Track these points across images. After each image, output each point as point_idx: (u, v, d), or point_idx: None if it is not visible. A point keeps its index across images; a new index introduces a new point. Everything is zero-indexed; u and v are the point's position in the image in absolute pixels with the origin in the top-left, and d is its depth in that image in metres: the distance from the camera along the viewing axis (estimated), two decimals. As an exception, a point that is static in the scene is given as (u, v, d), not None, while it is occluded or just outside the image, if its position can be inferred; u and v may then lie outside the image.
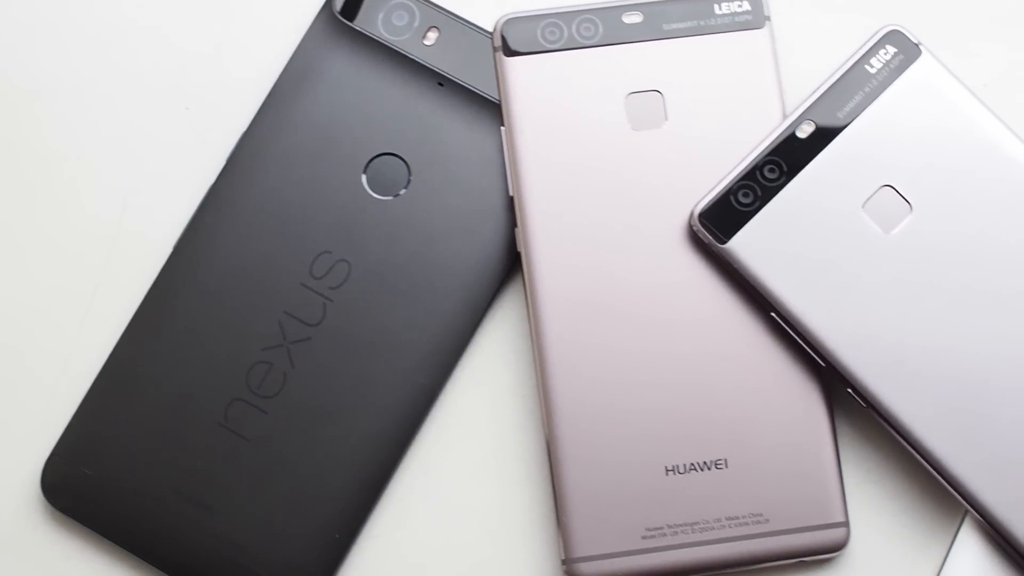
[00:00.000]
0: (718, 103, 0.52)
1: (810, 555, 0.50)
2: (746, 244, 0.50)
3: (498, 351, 0.53)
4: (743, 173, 0.51)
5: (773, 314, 0.50)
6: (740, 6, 0.52)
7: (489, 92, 0.53)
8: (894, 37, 0.51)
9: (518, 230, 0.51)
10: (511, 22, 0.52)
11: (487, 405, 0.53)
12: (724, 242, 0.50)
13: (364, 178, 0.52)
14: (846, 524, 0.51)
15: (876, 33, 0.51)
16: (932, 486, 0.52)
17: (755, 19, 0.52)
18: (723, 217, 0.50)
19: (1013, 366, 0.50)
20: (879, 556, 0.52)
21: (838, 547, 0.50)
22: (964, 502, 0.50)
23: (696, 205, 0.51)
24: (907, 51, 0.51)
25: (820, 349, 0.50)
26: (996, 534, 0.50)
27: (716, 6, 0.52)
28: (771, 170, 0.51)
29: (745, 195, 0.51)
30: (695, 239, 0.51)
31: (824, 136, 0.51)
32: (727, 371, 0.51)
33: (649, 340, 0.51)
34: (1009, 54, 0.55)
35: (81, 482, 0.51)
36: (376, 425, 0.51)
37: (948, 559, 0.51)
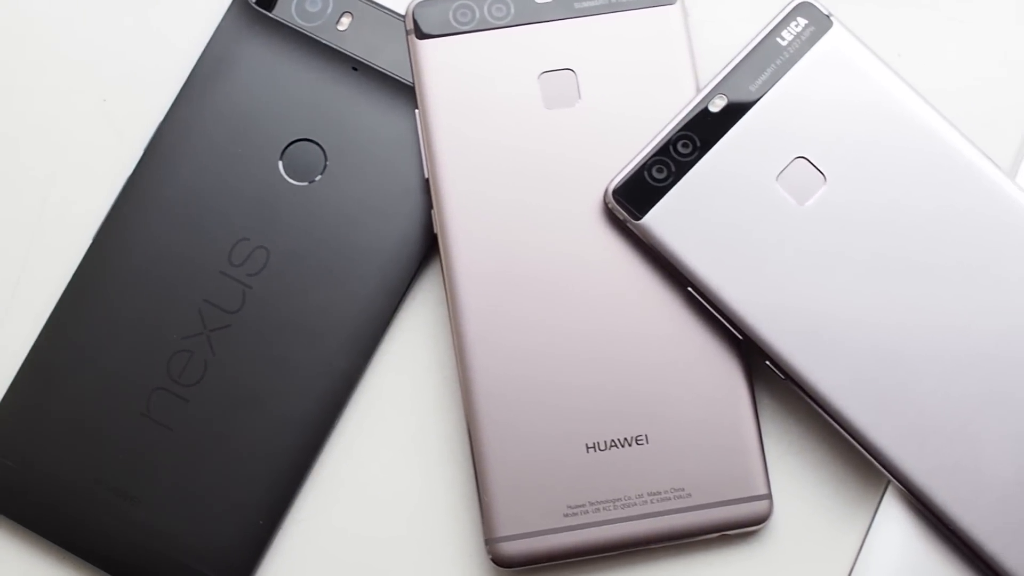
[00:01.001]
0: (631, 80, 0.52)
1: (733, 528, 0.50)
2: (660, 219, 0.50)
3: (418, 333, 0.53)
4: (656, 149, 0.51)
5: (690, 288, 0.50)
6: (650, -17, 0.53)
7: (403, 75, 0.53)
8: (805, 9, 0.51)
9: (434, 211, 0.51)
10: (423, 5, 0.52)
11: (408, 387, 0.53)
12: (639, 218, 0.50)
13: (281, 164, 0.53)
14: (769, 497, 0.51)
15: (787, 5, 0.51)
16: (854, 457, 0.52)
17: (666, -5, 0.53)
18: (637, 193, 0.51)
19: (929, 334, 0.50)
20: (803, 528, 0.52)
21: (761, 520, 0.50)
22: (885, 471, 0.50)
23: (610, 182, 0.51)
24: (818, 23, 0.51)
25: (737, 322, 0.50)
26: (918, 502, 0.50)
27: (628, -16, 0.53)
28: (684, 145, 0.51)
29: (659, 171, 0.51)
30: (610, 216, 0.51)
31: (736, 110, 0.51)
32: (646, 347, 0.51)
33: (567, 318, 0.51)
34: (924, 23, 0.55)
35: (3, 474, 0.51)
36: (297, 410, 0.51)
37: (872, 529, 0.51)
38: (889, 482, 0.51)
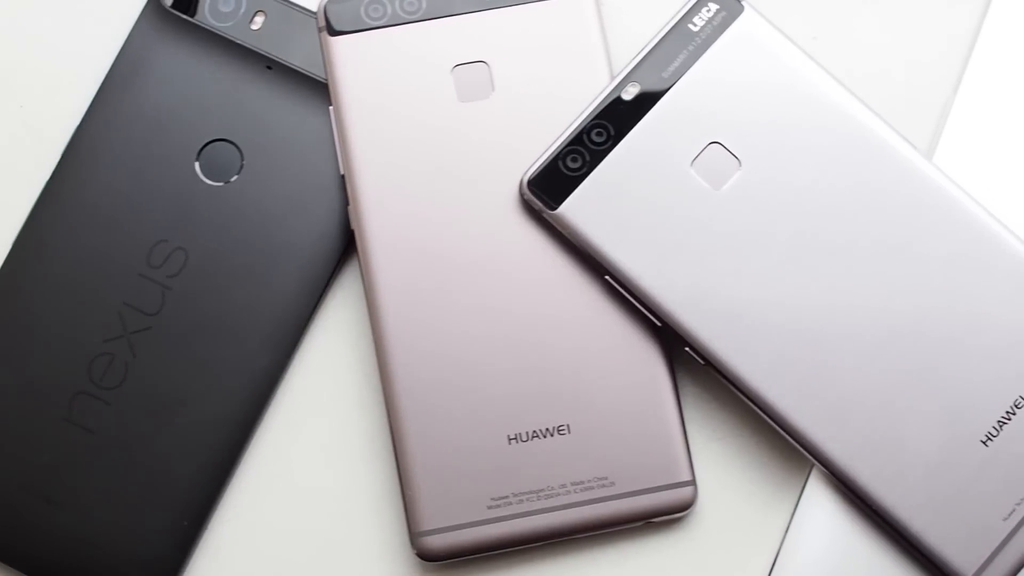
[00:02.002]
0: (545, 70, 0.52)
1: (658, 516, 0.50)
2: (576, 209, 0.50)
3: (339, 330, 0.53)
4: (570, 139, 0.51)
5: (607, 277, 0.50)
6: (563, -28, 0.52)
7: (317, 73, 0.53)
8: (716, -6, 0.52)
9: (351, 208, 0.51)
10: (335, 2, 0.52)
11: (331, 384, 0.53)
12: (554, 208, 0.50)
13: (197, 165, 0.52)
14: (693, 483, 0.51)
15: (698, -8, 0.52)
16: (778, 441, 0.52)
17: (578, -15, 0.53)
18: (552, 183, 0.50)
19: (848, 315, 0.50)
20: (728, 513, 0.52)
21: (685, 506, 0.50)
22: (808, 454, 0.50)
23: (525, 173, 0.51)
24: (729, 7, 0.51)
25: (655, 309, 0.50)
26: (841, 484, 0.50)
27: (538, -26, 0.52)
28: (598, 134, 0.51)
29: (573, 160, 0.51)
30: (527, 207, 0.51)
31: (649, 97, 0.51)
32: (566, 337, 0.51)
33: (487, 311, 0.51)
34: (839, 5, 0.55)
35: (-75, 483, 0.51)
36: (220, 411, 0.51)
37: (797, 511, 0.51)
38: (813, 464, 0.51)
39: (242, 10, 0.53)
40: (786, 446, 0.51)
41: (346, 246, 0.52)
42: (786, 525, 0.51)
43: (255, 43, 0.53)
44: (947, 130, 0.53)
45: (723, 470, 0.52)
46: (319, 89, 0.53)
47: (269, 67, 0.53)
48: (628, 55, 0.52)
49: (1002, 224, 0.50)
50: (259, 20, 0.53)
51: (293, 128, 0.53)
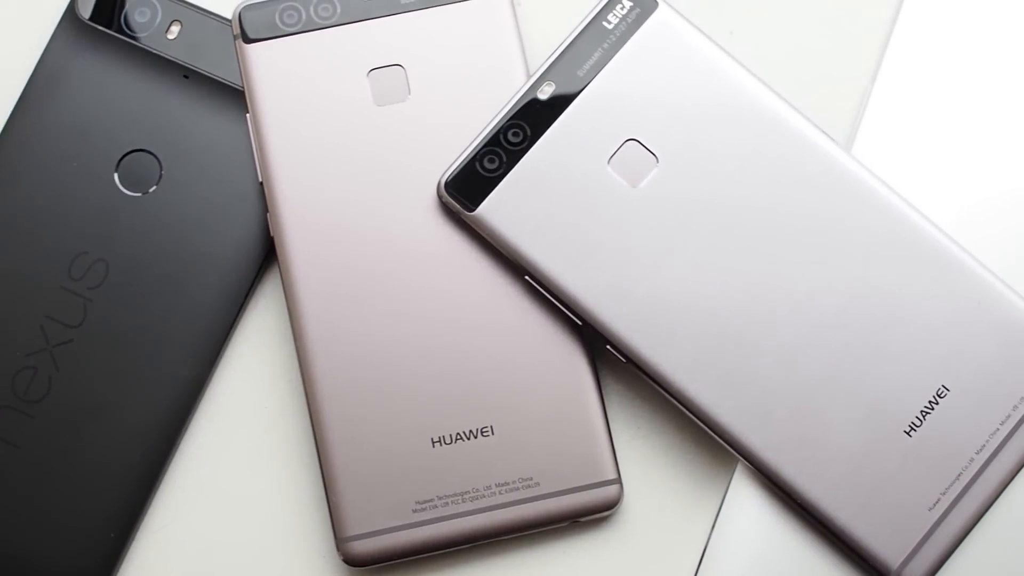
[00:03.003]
0: (461, 72, 0.52)
1: (584, 515, 0.50)
2: (494, 210, 0.50)
3: (262, 337, 0.53)
4: (486, 140, 0.50)
5: (527, 277, 0.50)
6: (476, -26, 0.52)
7: (234, 80, 0.53)
8: (630, -9, 0.52)
9: (270, 215, 0.51)
10: (249, 8, 0.52)
11: (255, 392, 0.53)
12: (472, 210, 0.50)
13: (116, 176, 0.52)
14: (618, 481, 0.50)
15: (613, -12, 0.52)
16: (703, 437, 0.51)
17: (492, -15, 0.52)
18: (469, 185, 0.50)
19: (769, 310, 0.50)
20: (655, 510, 0.52)
21: (611, 505, 0.50)
22: (731, 449, 0.49)
23: (442, 175, 0.51)
24: (644, 4, 0.51)
25: (575, 308, 0.50)
26: (766, 478, 0.50)
27: (452, -24, 0.52)
28: (515, 134, 0.51)
29: (490, 161, 0.51)
30: (445, 209, 0.51)
31: (565, 96, 0.51)
32: (488, 338, 0.51)
33: (409, 314, 0.51)
34: (755, -1, 0.55)
35: None
36: (144, 421, 0.51)
37: (723, 507, 0.51)
38: (738, 460, 0.51)
39: (158, 20, 0.53)
40: (711, 442, 0.51)
41: (267, 253, 0.52)
42: (712, 521, 0.51)
43: (172, 53, 0.53)
44: (865, 121, 0.53)
45: (649, 467, 0.52)
46: (236, 97, 0.52)
47: (186, 76, 0.53)
48: (545, 55, 0.52)
49: (921, 214, 0.50)
50: (175, 30, 0.53)
51: (211, 137, 0.53)
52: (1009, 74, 0.53)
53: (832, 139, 0.51)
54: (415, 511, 0.50)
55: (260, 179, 0.51)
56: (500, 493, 0.50)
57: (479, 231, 0.50)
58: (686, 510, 0.52)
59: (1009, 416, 0.50)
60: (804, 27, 0.55)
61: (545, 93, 0.51)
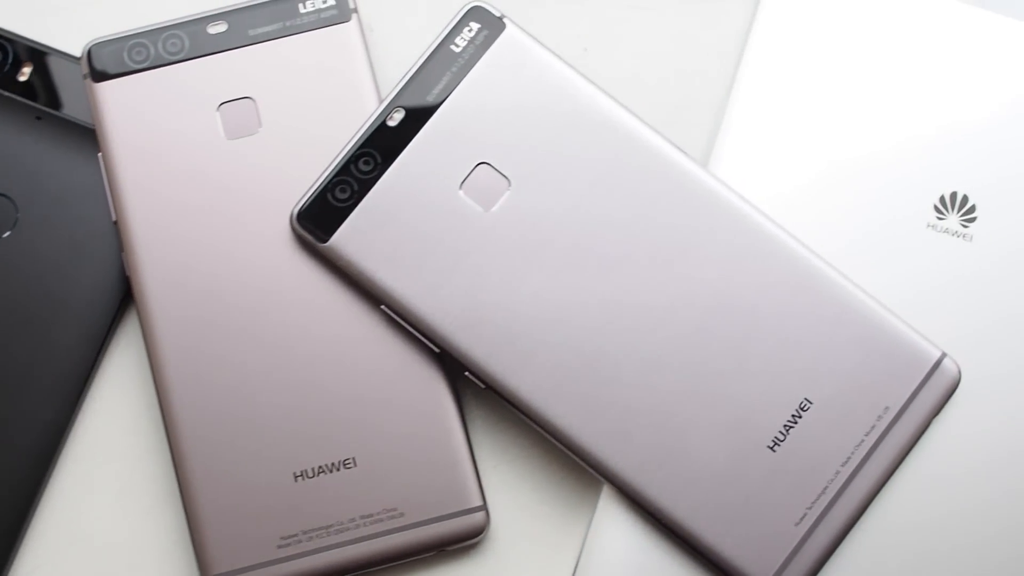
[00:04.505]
0: (312, 102, 0.51)
1: (451, 544, 0.50)
2: (347, 240, 0.50)
3: (124, 376, 0.53)
4: (336, 169, 0.50)
5: (383, 307, 0.50)
6: (325, 2, 0.52)
7: (87, 120, 0.52)
8: (477, 13, 0.51)
9: (125, 254, 0.51)
10: (97, 47, 0.52)
11: (119, 433, 0.52)
12: (325, 241, 0.50)
13: (-28, 222, 0.52)
14: (484, 508, 0.50)
15: (459, 11, 0.51)
16: (569, 460, 0.51)
17: (341, 13, 0.52)
18: (322, 216, 0.50)
19: (627, 329, 0.49)
20: (523, 536, 0.51)
21: (477, 532, 0.50)
22: (594, 472, 0.49)
23: (294, 207, 0.50)
24: (491, 25, 0.51)
25: (432, 335, 0.49)
26: (631, 499, 0.49)
27: (300, 5, 0.52)
28: (365, 163, 0.50)
29: (342, 191, 0.50)
30: (300, 240, 0.51)
31: (415, 122, 0.50)
32: (348, 370, 0.50)
33: (268, 348, 0.50)
34: (606, 15, 0.55)
35: None
36: (6, 467, 0.51)
37: (591, 529, 0.50)
38: (604, 482, 0.50)
39: (9, 61, 0.53)
40: (576, 465, 0.51)
41: (125, 293, 0.52)
42: (581, 543, 0.51)
43: (23, 94, 0.53)
44: (721, 134, 0.52)
45: (515, 492, 0.51)
46: (89, 136, 0.52)
47: (39, 117, 0.53)
48: (398, 80, 0.52)
49: (779, 227, 0.50)
50: (27, 71, 0.53)
51: (66, 178, 0.52)
52: (859, 84, 0.52)
53: (686, 154, 0.50)
54: (280, 547, 0.50)
55: (114, 218, 0.51)
56: (365, 525, 0.50)
57: (333, 262, 0.50)
58: (554, 534, 0.51)
59: (873, 427, 0.49)
60: (658, 43, 0.54)
61: (394, 120, 0.50)
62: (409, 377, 0.50)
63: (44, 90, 0.53)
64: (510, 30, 0.51)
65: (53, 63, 0.53)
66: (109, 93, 0.51)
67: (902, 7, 0.53)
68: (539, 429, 0.49)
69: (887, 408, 0.49)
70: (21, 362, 0.51)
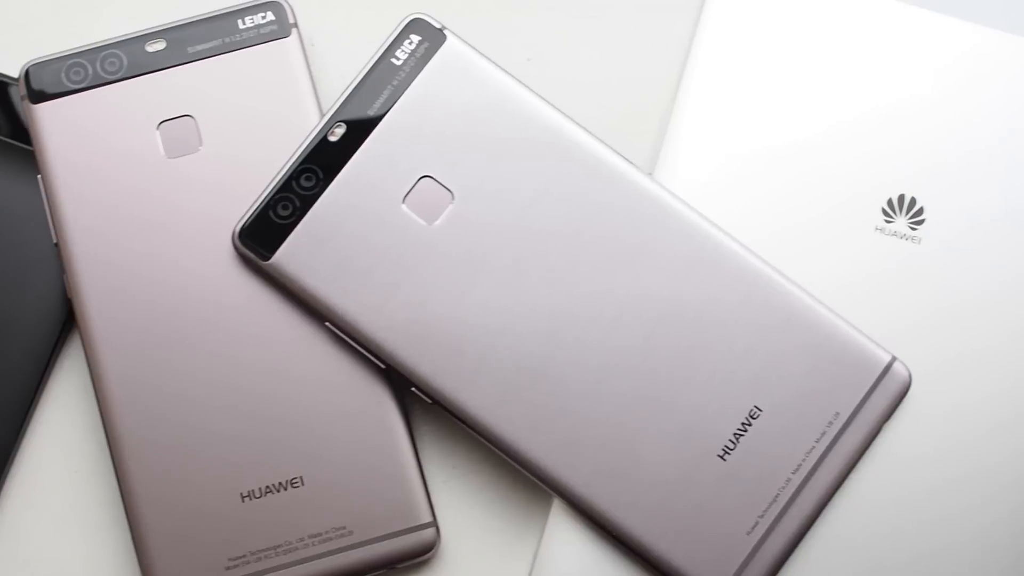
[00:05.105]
0: (253, 118, 0.51)
1: (400, 561, 0.49)
2: (290, 257, 0.49)
3: (69, 399, 0.52)
4: (278, 186, 0.50)
5: (328, 324, 0.49)
6: (264, 17, 0.52)
7: (25, 141, 0.52)
8: (417, 25, 0.51)
9: (66, 276, 0.50)
10: (35, 68, 0.51)
11: (64, 456, 0.52)
12: (267, 258, 0.49)
13: (-88, 248, 0.52)
14: (434, 524, 0.50)
15: (399, 24, 0.51)
16: (519, 474, 0.51)
17: (281, 28, 0.52)
18: (264, 233, 0.50)
19: (573, 340, 0.49)
20: (474, 551, 0.51)
21: (427, 549, 0.49)
22: (544, 485, 0.49)
23: (236, 225, 0.50)
24: (432, 37, 0.50)
25: (376, 351, 0.49)
26: (580, 511, 0.49)
27: (240, 21, 0.51)
28: (307, 179, 0.50)
29: (284, 207, 0.50)
30: (243, 258, 0.50)
31: (356, 136, 0.50)
32: (293, 388, 0.50)
33: (211, 368, 0.50)
34: (548, 24, 0.54)
35: None
36: (-49, 494, 0.51)
37: (542, 543, 0.50)
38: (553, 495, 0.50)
39: (-54, 85, 0.53)
40: (527, 478, 0.50)
41: (68, 315, 0.51)
42: (533, 557, 0.50)
43: (-38, 117, 0.52)
44: (667, 142, 0.52)
45: (466, 507, 0.51)
46: (28, 158, 0.52)
47: (-23, 140, 0.52)
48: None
49: (727, 234, 0.50)
50: (-36, 94, 0.53)
51: (6, 201, 0.52)
52: (805, 89, 0.52)
53: (631, 163, 0.50)
54: (228, 568, 0.49)
55: (55, 240, 0.50)
56: (313, 544, 0.49)
57: (276, 279, 0.50)
58: (506, 547, 0.51)
59: (824, 433, 0.49)
60: (602, 51, 0.54)
61: (336, 135, 0.50)
62: (356, 394, 0.50)
63: (-18, 112, 0.52)
64: (451, 41, 0.50)
65: (-9, 85, 0.53)
66: (47, 114, 0.51)
67: (847, 11, 0.53)
68: (487, 443, 0.49)
69: (837, 414, 0.49)
70: (-36, 387, 0.51)
